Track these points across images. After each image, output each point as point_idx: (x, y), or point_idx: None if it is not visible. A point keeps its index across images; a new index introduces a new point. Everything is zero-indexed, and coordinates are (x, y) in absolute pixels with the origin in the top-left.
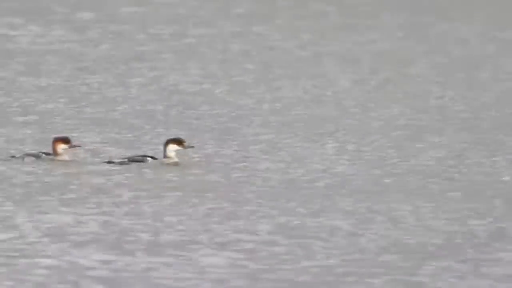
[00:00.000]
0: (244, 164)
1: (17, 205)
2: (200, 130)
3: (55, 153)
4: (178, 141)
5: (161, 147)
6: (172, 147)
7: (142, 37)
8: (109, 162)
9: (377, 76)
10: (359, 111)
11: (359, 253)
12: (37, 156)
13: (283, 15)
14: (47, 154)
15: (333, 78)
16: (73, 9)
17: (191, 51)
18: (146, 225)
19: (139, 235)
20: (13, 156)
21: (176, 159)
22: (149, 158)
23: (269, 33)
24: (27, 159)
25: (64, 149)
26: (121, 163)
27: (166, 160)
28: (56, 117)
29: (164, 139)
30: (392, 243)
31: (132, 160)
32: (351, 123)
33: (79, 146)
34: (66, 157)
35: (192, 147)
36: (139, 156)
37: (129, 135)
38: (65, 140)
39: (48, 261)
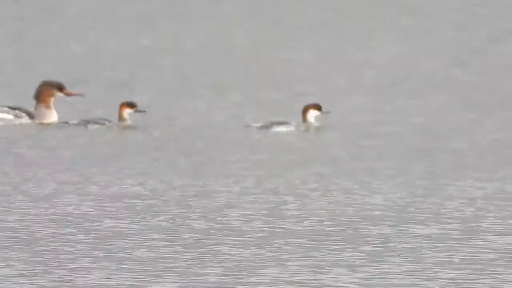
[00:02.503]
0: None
1: None
2: None
3: (120, 118)
4: (317, 107)
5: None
6: (313, 113)
7: None
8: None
9: None
10: None
11: None
12: (100, 123)
13: None
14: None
15: None
16: None
17: None
18: None
19: None
20: (65, 122)
21: (316, 124)
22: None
23: None
24: (90, 126)
25: (130, 114)
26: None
27: (305, 125)
28: None
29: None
30: None
31: (274, 123)
32: None
33: (144, 111)
34: (130, 122)
35: (329, 112)
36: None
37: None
38: (131, 105)
39: None
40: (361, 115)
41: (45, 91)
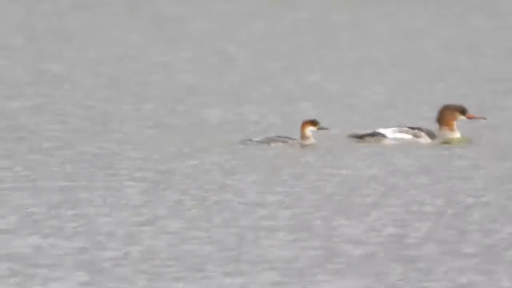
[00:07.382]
0: None
1: None
2: None
3: (302, 136)
4: (313, 122)
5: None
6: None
7: None
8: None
9: None
10: None
11: None
12: (283, 141)
13: None
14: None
15: None
16: None
17: None
18: None
19: None
20: (249, 139)
21: (312, 140)
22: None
23: None
24: (273, 144)
25: (312, 131)
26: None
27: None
28: None
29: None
30: None
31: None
32: None
33: (327, 129)
34: (312, 140)
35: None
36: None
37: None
38: (313, 122)
39: None
40: None
41: (448, 114)
